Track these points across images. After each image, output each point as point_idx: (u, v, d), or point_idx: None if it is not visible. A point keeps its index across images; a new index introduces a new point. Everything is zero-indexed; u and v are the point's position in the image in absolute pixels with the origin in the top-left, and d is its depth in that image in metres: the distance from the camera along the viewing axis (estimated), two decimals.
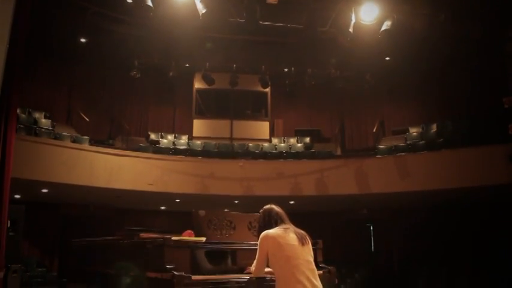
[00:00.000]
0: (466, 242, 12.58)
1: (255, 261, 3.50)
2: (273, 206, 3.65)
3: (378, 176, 11.17)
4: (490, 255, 11.92)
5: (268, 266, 3.49)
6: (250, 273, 3.66)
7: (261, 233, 3.52)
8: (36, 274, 10.65)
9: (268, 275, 3.63)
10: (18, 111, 9.57)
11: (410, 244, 13.43)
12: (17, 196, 10.88)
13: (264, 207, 3.68)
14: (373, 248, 14.71)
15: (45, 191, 10.69)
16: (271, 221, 3.52)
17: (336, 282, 4.55)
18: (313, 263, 3.48)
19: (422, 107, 14.35)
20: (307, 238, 3.52)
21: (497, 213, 12.21)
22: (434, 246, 13.01)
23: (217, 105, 15.21)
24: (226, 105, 14.86)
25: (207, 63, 13.28)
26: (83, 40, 12.19)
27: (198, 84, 14.92)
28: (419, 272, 12.33)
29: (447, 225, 12.99)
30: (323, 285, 3.50)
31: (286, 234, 3.40)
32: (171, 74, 13.41)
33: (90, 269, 5.85)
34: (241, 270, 3.86)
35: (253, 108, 15.38)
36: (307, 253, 3.43)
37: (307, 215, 11.92)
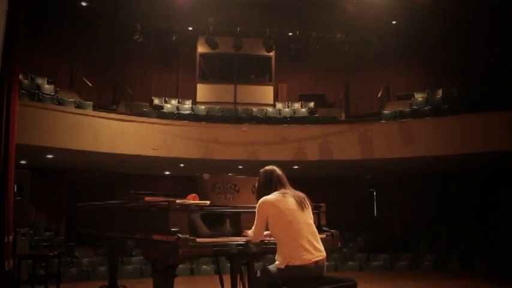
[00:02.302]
0: (467, 207, 12.68)
1: (253, 227, 3.53)
2: (275, 168, 3.64)
3: (382, 141, 11.16)
4: (490, 220, 12.04)
5: (266, 230, 3.53)
6: (247, 236, 3.70)
7: (259, 194, 3.54)
8: (44, 238, 10.85)
9: (267, 238, 3.66)
10: (20, 77, 9.51)
11: (413, 209, 13.56)
12: (23, 162, 10.96)
13: (266, 167, 3.67)
14: (375, 212, 14.86)
15: (50, 156, 10.75)
16: (271, 183, 3.53)
17: (339, 245, 4.60)
18: (314, 226, 3.51)
19: (428, 72, 14.20)
20: (307, 202, 3.52)
21: (498, 178, 12.26)
22: (436, 211, 13.14)
23: (221, 70, 15.10)
24: (230, 69, 14.75)
25: (211, 27, 13.09)
26: (83, 4, 12.00)
27: (201, 49, 14.77)
28: (420, 237, 12.49)
29: (449, 191, 13.07)
30: (326, 248, 3.54)
31: (285, 199, 3.40)
32: (174, 38, 13.25)
33: (95, 233, 5.94)
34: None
35: (257, 72, 15.26)
36: (307, 217, 3.45)
37: (310, 180, 12.00)
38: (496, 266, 10.31)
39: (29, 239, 7.39)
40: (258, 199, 3.51)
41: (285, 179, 3.59)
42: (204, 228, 3.75)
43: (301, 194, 3.54)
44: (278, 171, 3.62)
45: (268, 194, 3.47)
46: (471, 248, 11.30)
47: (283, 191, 3.48)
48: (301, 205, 3.42)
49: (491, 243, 11.21)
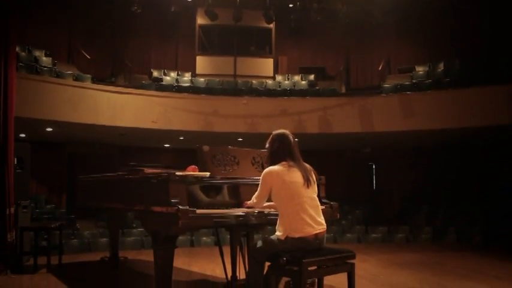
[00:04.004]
0: (465, 180, 12.75)
1: (256, 194, 3.53)
2: (287, 135, 3.53)
3: (382, 115, 11.12)
4: (488, 193, 12.13)
5: (269, 200, 3.54)
6: (249, 207, 3.71)
7: (269, 161, 3.50)
8: (45, 211, 10.92)
9: (267, 209, 3.68)
10: (17, 49, 9.41)
11: (412, 182, 13.64)
12: (22, 135, 10.95)
13: (278, 131, 3.57)
14: (375, 186, 14.94)
15: (49, 129, 10.73)
16: (281, 152, 3.46)
17: (338, 217, 4.64)
18: (317, 200, 3.51)
19: (430, 45, 14.04)
20: (313, 176, 3.50)
21: (497, 152, 12.29)
22: (434, 184, 13.20)
23: (220, 42, 14.94)
24: (229, 41, 14.58)
25: None
26: None
27: (200, 20, 14.59)
28: (419, 210, 12.59)
29: (448, 164, 13.12)
30: (325, 220, 3.57)
31: (291, 172, 3.38)
32: (172, 9, 13.05)
33: (96, 205, 5.98)
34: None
35: (257, 44, 15.11)
36: (311, 191, 3.44)
37: (310, 153, 11.98)
38: (493, 238, 10.42)
39: (30, 211, 7.43)
40: (268, 165, 3.48)
41: (295, 149, 3.50)
42: (203, 200, 3.77)
43: (308, 167, 3.52)
44: (289, 139, 3.51)
45: (277, 163, 3.44)
46: (468, 221, 11.40)
47: (291, 163, 3.42)
48: (307, 180, 3.40)
49: (488, 216, 11.31)
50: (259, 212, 3.75)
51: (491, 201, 11.80)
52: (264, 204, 3.59)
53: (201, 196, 3.76)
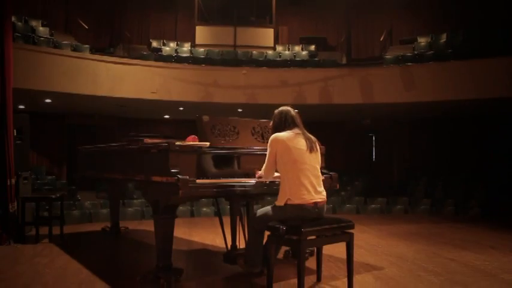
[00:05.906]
0: (465, 153, 12.77)
1: (264, 165, 3.56)
2: (290, 109, 3.66)
3: (383, 86, 11.05)
4: (486, 166, 12.16)
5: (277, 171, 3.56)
6: (260, 177, 3.72)
7: (273, 132, 3.57)
8: (46, 182, 10.98)
9: (277, 179, 3.69)
10: (13, 19, 9.26)
11: (411, 154, 13.66)
12: (21, 106, 10.91)
13: (281, 108, 3.69)
14: (374, 157, 14.97)
15: (48, 101, 10.68)
16: (285, 122, 3.55)
17: (337, 187, 4.67)
18: (319, 170, 3.54)
19: (433, 16, 13.84)
20: (317, 145, 3.57)
21: (498, 125, 12.26)
22: (434, 156, 13.22)
23: (220, 12, 14.70)
24: (229, 11, 14.36)
25: None
26: None
27: None
28: (417, 181, 12.65)
29: (448, 136, 13.11)
30: (325, 189, 3.59)
31: (296, 138, 3.45)
32: None
33: (96, 175, 6.00)
34: (245, 175, 3.93)
35: (258, 14, 14.88)
36: (314, 160, 3.49)
37: (310, 124, 11.95)
38: (490, 210, 10.50)
39: (31, 182, 7.45)
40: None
41: (298, 120, 3.61)
42: (203, 170, 3.77)
43: (313, 138, 3.58)
44: (292, 112, 3.64)
45: (280, 132, 3.50)
46: (466, 193, 11.47)
47: (296, 130, 3.51)
48: (310, 147, 3.45)
49: (485, 189, 11.38)
50: (260, 182, 3.76)
51: (489, 173, 11.85)
52: (275, 175, 3.61)
53: (201, 166, 3.76)
